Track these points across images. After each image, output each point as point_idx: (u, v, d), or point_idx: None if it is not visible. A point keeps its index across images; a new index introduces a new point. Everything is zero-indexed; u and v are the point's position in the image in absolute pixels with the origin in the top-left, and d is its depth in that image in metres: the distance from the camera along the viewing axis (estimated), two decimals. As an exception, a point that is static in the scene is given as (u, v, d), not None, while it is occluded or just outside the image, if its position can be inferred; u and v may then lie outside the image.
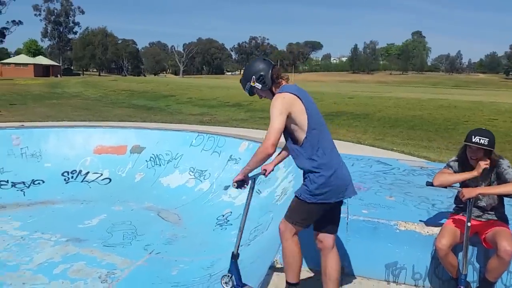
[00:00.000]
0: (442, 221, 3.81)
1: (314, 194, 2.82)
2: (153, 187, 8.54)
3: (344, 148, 10.75)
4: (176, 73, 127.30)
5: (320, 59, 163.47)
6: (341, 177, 2.87)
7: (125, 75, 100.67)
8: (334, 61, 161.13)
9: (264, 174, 3.37)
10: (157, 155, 9.23)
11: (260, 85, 2.98)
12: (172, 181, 8.63)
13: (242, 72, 3.14)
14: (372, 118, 18.93)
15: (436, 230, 3.75)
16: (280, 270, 3.79)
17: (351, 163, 6.49)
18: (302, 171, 3.00)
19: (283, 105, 2.79)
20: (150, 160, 9.19)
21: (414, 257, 3.86)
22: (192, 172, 8.59)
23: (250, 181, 3.21)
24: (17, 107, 23.85)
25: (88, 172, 8.84)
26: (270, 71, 2.96)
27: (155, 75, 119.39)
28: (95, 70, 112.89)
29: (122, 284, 4.83)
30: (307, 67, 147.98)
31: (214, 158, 8.54)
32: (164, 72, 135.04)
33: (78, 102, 28.29)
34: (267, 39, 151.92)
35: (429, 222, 3.91)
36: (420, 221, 3.93)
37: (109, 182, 8.70)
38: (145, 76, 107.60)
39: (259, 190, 7.05)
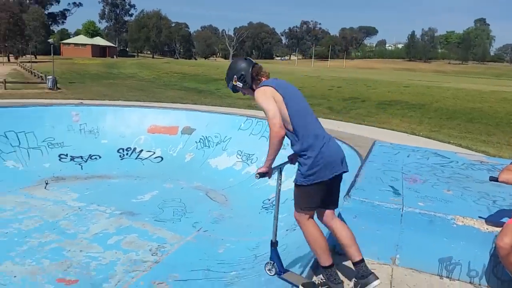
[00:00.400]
0: (503, 219, 3.58)
1: (306, 176, 2.89)
2: (202, 167, 8.73)
3: (397, 139, 10.40)
4: (225, 57, 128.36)
5: (374, 45, 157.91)
6: (328, 154, 2.89)
7: (177, 58, 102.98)
8: (389, 47, 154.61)
9: (291, 163, 3.36)
10: (206, 137, 9.40)
11: (241, 84, 3.16)
12: (220, 163, 8.77)
13: (226, 71, 3.25)
14: (429, 109, 18.12)
15: (496, 227, 3.53)
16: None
17: (406, 154, 6.25)
18: None
19: (266, 94, 2.94)
20: (199, 141, 9.38)
21: (471, 254, 3.66)
22: (240, 155, 8.67)
23: (276, 172, 3.23)
24: (76, 85, 25.15)
25: (142, 150, 9.18)
26: (250, 70, 3.11)
27: (205, 58, 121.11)
28: (149, 52, 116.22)
29: (171, 258, 5.00)
30: (360, 53, 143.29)
31: (262, 142, 8.55)
32: (214, 56, 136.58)
33: (133, 83, 29.35)
34: (319, 23, 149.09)
35: (489, 219, 3.68)
36: (480, 217, 3.71)
37: (161, 161, 8.99)
38: (196, 59, 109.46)
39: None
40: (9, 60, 54.99)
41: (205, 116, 10.27)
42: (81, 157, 8.70)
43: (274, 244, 3.49)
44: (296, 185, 3.00)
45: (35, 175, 7.82)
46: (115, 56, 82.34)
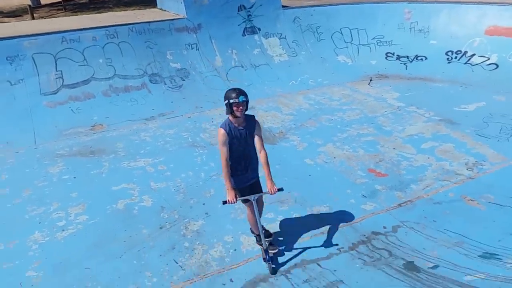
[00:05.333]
0: None
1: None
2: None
3: None
4: None
5: None
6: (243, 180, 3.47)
7: None
8: None
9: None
10: None
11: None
12: None
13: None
14: None
15: None
16: None
17: None
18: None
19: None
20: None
21: None
22: None
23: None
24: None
25: (474, 54, 8.09)
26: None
27: None
28: None
29: (489, 178, 4.47)
30: None
31: None
32: None
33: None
34: None
35: None
36: None
37: (495, 68, 7.72)
38: None
39: None
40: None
41: None
42: (407, 56, 8.55)
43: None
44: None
45: (361, 70, 8.34)
46: None
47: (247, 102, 3.24)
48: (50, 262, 3.58)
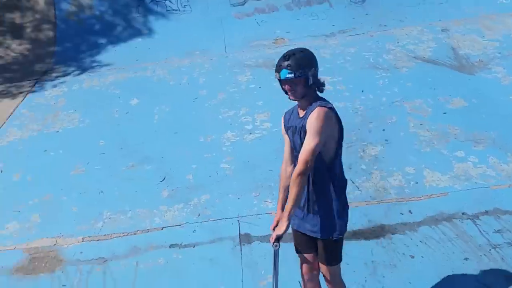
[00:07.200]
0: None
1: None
2: None
3: None
4: None
5: None
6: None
7: None
8: None
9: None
10: None
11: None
12: None
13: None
14: None
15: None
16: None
17: None
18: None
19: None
20: None
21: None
22: None
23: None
24: None
25: None
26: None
27: None
28: None
29: None
30: None
31: None
32: None
33: None
34: None
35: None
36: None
37: None
38: None
39: None
40: None
41: None
42: None
43: None
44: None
45: None
46: None
47: (304, 78, 1.96)
48: (240, 158, 4.02)
